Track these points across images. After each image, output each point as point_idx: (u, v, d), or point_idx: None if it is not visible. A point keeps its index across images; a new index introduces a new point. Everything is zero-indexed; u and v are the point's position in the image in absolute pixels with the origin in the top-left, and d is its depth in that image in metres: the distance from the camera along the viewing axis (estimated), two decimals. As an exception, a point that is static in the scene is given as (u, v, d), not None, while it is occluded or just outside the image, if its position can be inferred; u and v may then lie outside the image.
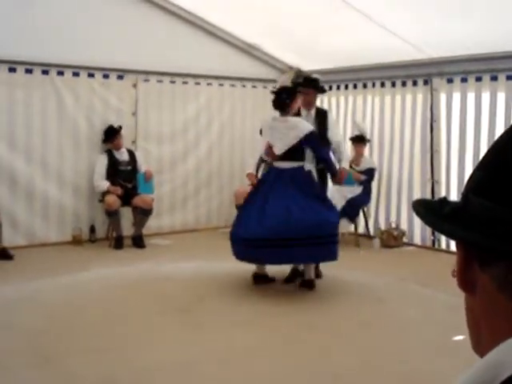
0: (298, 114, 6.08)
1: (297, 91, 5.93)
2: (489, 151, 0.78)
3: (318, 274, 6.19)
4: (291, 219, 5.48)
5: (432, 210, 0.81)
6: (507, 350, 0.68)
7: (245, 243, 5.58)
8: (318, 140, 5.83)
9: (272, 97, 5.96)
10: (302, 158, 5.80)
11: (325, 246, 5.54)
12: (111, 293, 5.77)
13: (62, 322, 4.96)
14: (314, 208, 5.59)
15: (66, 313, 5.18)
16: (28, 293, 5.72)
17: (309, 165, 5.84)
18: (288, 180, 5.75)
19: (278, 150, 5.81)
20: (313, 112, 6.15)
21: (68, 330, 4.80)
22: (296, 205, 5.57)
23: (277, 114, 5.88)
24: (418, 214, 0.82)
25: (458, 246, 0.80)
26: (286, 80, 6.16)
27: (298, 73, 6.34)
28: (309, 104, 6.10)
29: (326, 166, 5.86)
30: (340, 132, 6.04)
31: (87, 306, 5.39)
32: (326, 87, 8.99)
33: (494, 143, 0.77)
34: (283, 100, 5.76)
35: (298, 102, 5.89)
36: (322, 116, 6.16)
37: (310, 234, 5.41)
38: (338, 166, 5.99)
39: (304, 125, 5.79)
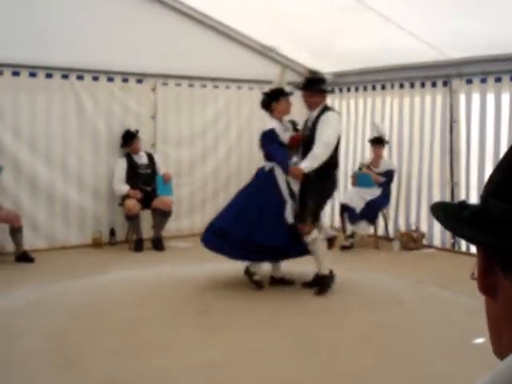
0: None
1: (281, 93, 5.98)
2: (508, 152, 0.76)
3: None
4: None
5: (451, 214, 0.80)
6: None
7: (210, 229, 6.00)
8: (269, 139, 5.90)
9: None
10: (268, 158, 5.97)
11: None
12: (131, 295, 5.81)
13: (83, 324, 5.00)
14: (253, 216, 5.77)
15: (86, 315, 5.22)
16: (49, 295, 5.78)
17: (270, 164, 5.91)
18: (255, 180, 6.05)
19: None
20: (315, 112, 5.97)
21: (88, 332, 4.84)
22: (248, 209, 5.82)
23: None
24: (438, 218, 0.82)
25: (478, 250, 0.78)
26: (279, 81, 6.15)
27: (309, 73, 6.21)
28: (310, 105, 6.01)
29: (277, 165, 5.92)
30: (328, 131, 5.90)
31: (107, 308, 5.43)
32: (344, 89, 9.03)
33: None
34: (263, 101, 6.05)
35: (283, 103, 5.97)
36: (320, 116, 5.95)
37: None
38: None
39: (265, 125, 6.00)
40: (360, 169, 8.28)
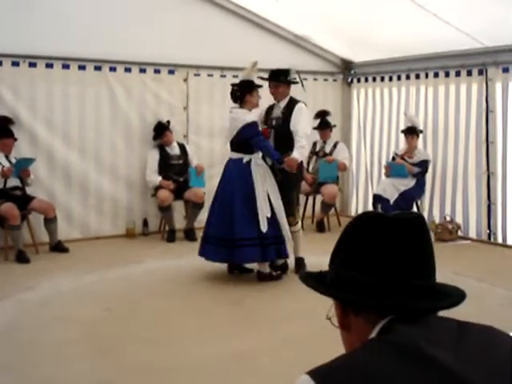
0: (271, 105, 6.23)
1: (252, 85, 6.00)
2: (346, 236, 1.29)
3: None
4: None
5: (318, 281, 1.30)
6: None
7: None
8: (253, 131, 5.86)
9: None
10: (246, 151, 5.90)
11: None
12: (164, 285, 5.84)
13: (116, 314, 5.03)
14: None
15: (120, 304, 5.26)
16: (83, 285, 5.84)
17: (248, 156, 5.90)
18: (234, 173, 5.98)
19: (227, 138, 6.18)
20: (282, 103, 6.12)
21: (122, 321, 4.88)
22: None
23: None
24: (310, 286, 1.32)
25: (336, 303, 1.30)
26: (247, 73, 6.16)
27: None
28: (276, 96, 6.13)
29: (266, 155, 5.94)
30: (304, 123, 5.95)
31: (141, 297, 5.46)
32: (378, 78, 8.92)
33: (349, 232, 1.29)
34: (233, 92, 6.05)
35: (256, 96, 5.98)
36: (291, 107, 6.07)
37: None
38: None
39: (243, 117, 5.88)
40: (394, 159, 8.17)
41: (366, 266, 1.22)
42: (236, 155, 5.98)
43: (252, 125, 5.86)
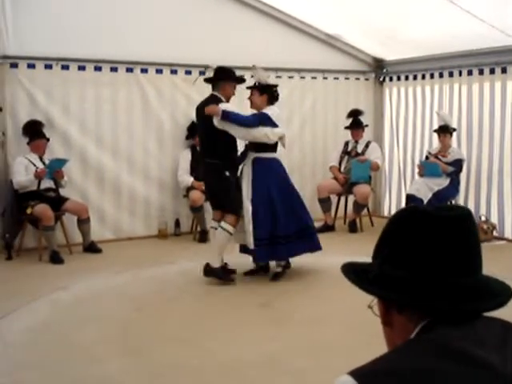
0: None
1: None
2: (391, 230, 1.26)
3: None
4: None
5: (361, 277, 1.26)
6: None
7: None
8: None
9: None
10: None
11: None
12: (196, 286, 5.85)
13: (148, 313, 5.06)
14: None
15: (153, 304, 5.29)
16: (116, 285, 5.88)
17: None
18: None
19: None
20: None
21: (153, 321, 4.90)
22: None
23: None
24: (351, 280, 1.28)
25: (379, 300, 1.27)
26: (258, 77, 6.44)
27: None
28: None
29: None
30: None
31: (173, 298, 5.48)
32: (411, 76, 8.83)
33: (392, 227, 1.26)
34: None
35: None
36: None
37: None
38: None
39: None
40: (427, 158, 8.06)
41: (412, 263, 1.20)
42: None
43: None
